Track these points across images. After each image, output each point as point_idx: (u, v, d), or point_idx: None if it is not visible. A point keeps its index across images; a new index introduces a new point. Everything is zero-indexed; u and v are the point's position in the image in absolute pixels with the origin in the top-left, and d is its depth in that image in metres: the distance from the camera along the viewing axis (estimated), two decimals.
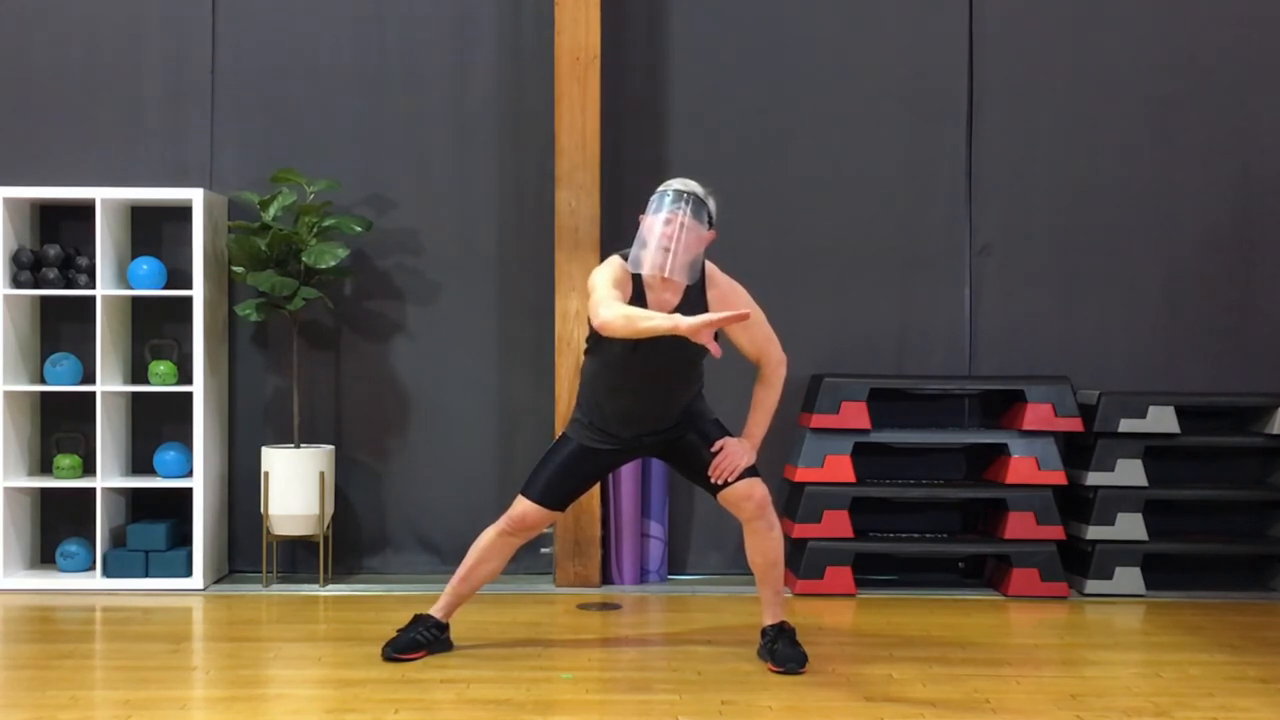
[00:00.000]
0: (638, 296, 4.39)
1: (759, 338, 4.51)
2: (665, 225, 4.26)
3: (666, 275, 4.27)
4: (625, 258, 4.40)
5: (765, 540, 4.51)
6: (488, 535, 4.67)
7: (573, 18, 5.82)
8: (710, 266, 4.49)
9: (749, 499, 4.47)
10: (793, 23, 6.17)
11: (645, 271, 4.29)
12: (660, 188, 4.41)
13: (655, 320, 4.04)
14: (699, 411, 4.58)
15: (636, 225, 4.41)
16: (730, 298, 4.47)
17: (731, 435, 4.55)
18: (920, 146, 6.19)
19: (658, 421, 4.51)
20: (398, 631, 4.66)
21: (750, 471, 4.48)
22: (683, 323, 3.96)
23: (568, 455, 4.57)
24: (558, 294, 5.85)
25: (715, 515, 5.86)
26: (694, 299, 4.41)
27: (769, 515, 4.50)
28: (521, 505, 4.58)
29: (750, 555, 4.57)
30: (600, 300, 4.22)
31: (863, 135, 6.18)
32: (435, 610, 4.70)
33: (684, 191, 4.33)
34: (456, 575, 4.71)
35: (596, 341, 4.43)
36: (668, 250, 4.24)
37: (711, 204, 4.40)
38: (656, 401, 4.48)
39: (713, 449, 4.48)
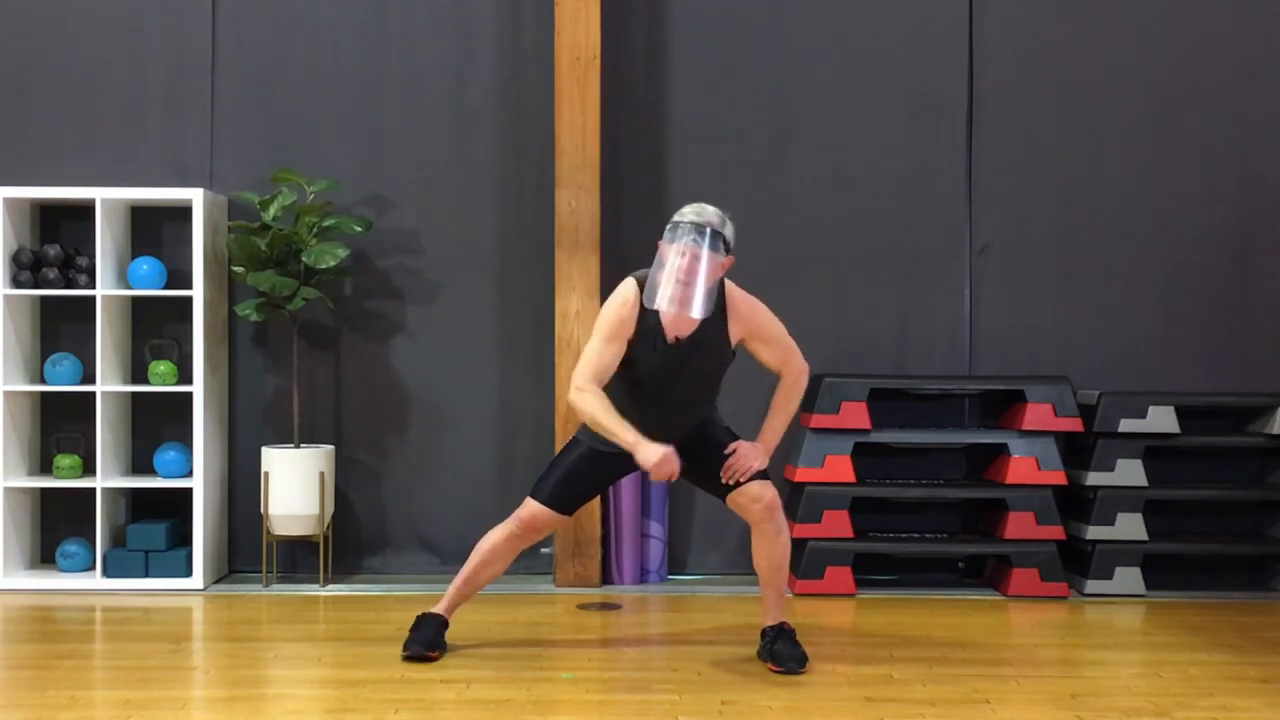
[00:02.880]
0: (653, 325, 4.37)
1: (780, 351, 4.53)
2: (680, 258, 4.24)
3: (687, 314, 4.25)
4: (640, 281, 4.38)
5: (773, 544, 4.51)
6: (495, 539, 4.63)
7: (573, 18, 5.82)
8: (730, 287, 4.46)
9: (758, 501, 4.46)
10: (793, 23, 6.17)
11: (661, 308, 4.26)
12: (676, 215, 4.35)
13: (619, 435, 4.25)
14: (710, 418, 4.58)
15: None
16: (751, 320, 4.47)
17: (743, 440, 4.55)
18: (920, 146, 6.19)
19: (675, 431, 4.49)
20: (413, 632, 4.62)
21: (761, 474, 4.48)
22: (642, 456, 4.21)
23: (577, 458, 4.56)
24: (558, 294, 5.85)
25: (715, 515, 5.86)
26: (714, 324, 4.39)
27: (778, 518, 4.49)
28: (531, 508, 4.56)
29: (756, 558, 4.57)
30: (582, 374, 4.31)
31: (863, 135, 6.18)
32: (441, 610, 4.69)
33: (700, 224, 4.28)
34: (461, 577, 4.69)
35: (625, 362, 4.40)
36: (685, 284, 4.21)
37: (729, 230, 4.35)
38: (678, 415, 4.49)
39: (726, 450, 4.48)
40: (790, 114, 6.18)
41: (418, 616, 4.69)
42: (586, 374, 4.33)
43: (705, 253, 4.24)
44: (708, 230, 4.28)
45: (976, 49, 6.19)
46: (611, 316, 4.37)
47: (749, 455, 4.45)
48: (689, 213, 4.34)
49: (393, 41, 6.13)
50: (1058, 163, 6.19)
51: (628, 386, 4.44)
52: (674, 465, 4.27)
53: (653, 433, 4.43)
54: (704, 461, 4.51)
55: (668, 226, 4.35)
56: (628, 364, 4.38)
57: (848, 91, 6.18)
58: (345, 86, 6.13)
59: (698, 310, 4.25)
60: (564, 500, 4.56)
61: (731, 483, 4.45)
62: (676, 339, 4.37)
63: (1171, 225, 6.19)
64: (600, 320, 4.41)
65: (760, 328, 4.48)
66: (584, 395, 4.31)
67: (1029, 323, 6.18)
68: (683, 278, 4.22)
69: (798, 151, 6.18)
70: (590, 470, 4.55)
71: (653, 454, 4.24)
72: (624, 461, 4.53)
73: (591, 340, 4.40)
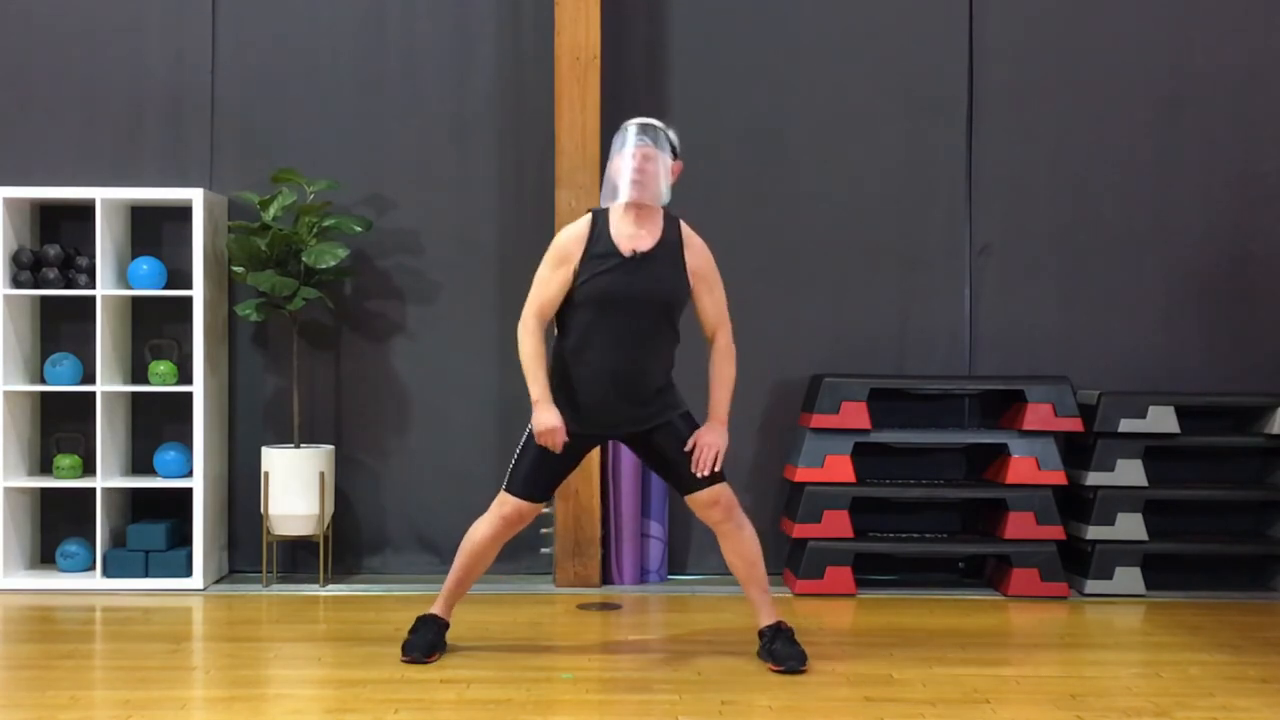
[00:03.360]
0: (607, 244, 4.42)
1: (719, 307, 4.57)
2: (632, 159, 4.40)
3: (638, 200, 4.39)
4: (596, 214, 4.52)
5: (738, 541, 4.55)
6: (480, 537, 4.62)
7: (573, 18, 5.82)
8: (685, 225, 4.55)
9: (715, 505, 4.51)
10: (793, 23, 6.18)
11: (620, 200, 4.41)
12: (620, 128, 4.51)
13: (530, 385, 4.43)
14: (670, 401, 4.55)
15: None
16: (704, 259, 4.53)
17: (699, 426, 4.56)
18: (920, 146, 6.19)
19: (632, 390, 4.46)
20: (412, 634, 4.61)
21: (715, 477, 4.50)
22: (536, 415, 4.40)
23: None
24: None
25: None
26: (671, 249, 4.46)
27: (737, 516, 4.54)
28: (510, 504, 4.56)
29: (728, 558, 4.60)
30: (528, 307, 4.50)
31: (863, 135, 6.18)
32: (438, 610, 4.69)
33: (644, 124, 4.46)
34: (453, 578, 4.69)
35: (569, 309, 4.47)
36: (636, 182, 4.38)
37: (673, 134, 4.52)
38: (635, 353, 4.44)
39: (686, 448, 4.48)
40: (790, 114, 6.18)
41: (417, 618, 4.68)
42: (531, 308, 4.50)
43: (653, 151, 4.41)
44: (653, 129, 4.45)
45: (976, 49, 6.19)
46: (558, 242, 4.52)
47: (712, 442, 4.47)
48: (632, 120, 4.51)
49: (393, 41, 6.14)
50: (1058, 163, 6.19)
51: (585, 336, 4.44)
52: (558, 439, 4.41)
53: (609, 391, 4.44)
54: (665, 455, 4.53)
55: (614, 139, 4.49)
56: (584, 286, 4.41)
57: (848, 92, 6.19)
58: (345, 87, 6.14)
59: (653, 199, 4.40)
60: (538, 488, 4.55)
61: (705, 474, 4.46)
62: (634, 252, 4.42)
63: (1171, 225, 6.19)
64: (549, 250, 4.53)
65: (710, 273, 4.55)
66: (523, 334, 4.49)
67: (1029, 323, 6.18)
68: (637, 177, 4.38)
69: (797, 151, 6.19)
70: (555, 453, 4.51)
71: (544, 419, 4.41)
72: (586, 438, 4.56)
73: (539, 270, 4.52)
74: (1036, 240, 6.19)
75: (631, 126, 4.46)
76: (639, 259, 4.41)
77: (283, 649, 4.76)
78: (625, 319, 4.42)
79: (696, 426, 4.55)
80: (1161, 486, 5.83)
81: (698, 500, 4.52)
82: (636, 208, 4.44)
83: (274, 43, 6.13)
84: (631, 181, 4.39)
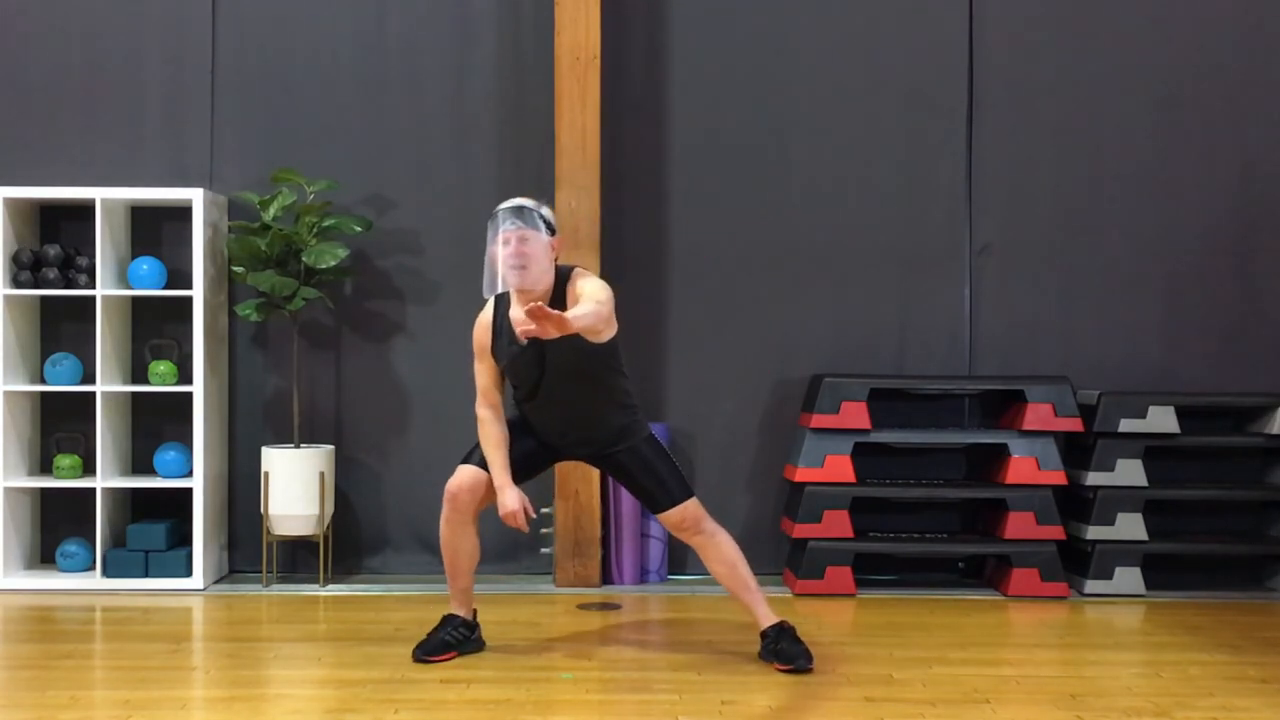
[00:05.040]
0: (507, 331, 4.46)
1: (584, 296, 4.33)
2: (505, 246, 4.35)
3: (520, 287, 4.35)
4: (499, 302, 4.54)
5: (714, 548, 4.59)
6: (441, 528, 4.63)
7: (573, 18, 5.82)
8: (577, 272, 4.47)
9: (679, 526, 4.56)
10: (793, 23, 6.18)
11: (500, 291, 4.39)
12: (491, 214, 4.43)
13: (493, 473, 4.48)
14: (632, 428, 4.58)
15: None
16: (574, 291, 4.39)
17: (666, 451, 4.60)
18: (920, 146, 6.19)
19: (587, 433, 4.55)
20: (428, 633, 4.66)
21: (681, 495, 4.53)
22: (500, 499, 4.45)
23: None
24: None
25: (714, 516, 5.84)
26: (559, 308, 4.40)
27: (705, 527, 4.57)
28: (455, 475, 4.56)
29: (710, 568, 4.63)
30: (477, 400, 4.53)
31: (863, 136, 6.18)
32: (456, 610, 4.70)
33: (512, 208, 4.38)
34: (446, 574, 4.71)
35: (504, 373, 4.55)
36: (516, 268, 4.33)
37: (545, 211, 4.44)
38: (571, 412, 4.52)
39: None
40: (790, 114, 6.18)
41: (443, 617, 4.71)
42: (478, 398, 4.57)
43: (528, 232, 4.34)
44: (524, 211, 4.38)
45: (976, 49, 6.19)
46: (474, 336, 4.58)
47: (538, 312, 3.96)
48: (503, 204, 4.44)
49: (393, 41, 6.14)
50: (1058, 163, 6.19)
51: (519, 396, 4.56)
52: (520, 521, 4.47)
53: (561, 438, 4.57)
54: (632, 477, 4.57)
55: (488, 225, 4.42)
56: (505, 374, 4.52)
57: (848, 91, 6.19)
58: (345, 86, 6.14)
59: (536, 280, 4.35)
60: (484, 462, 4.56)
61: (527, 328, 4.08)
62: (527, 337, 4.39)
63: (1171, 225, 6.19)
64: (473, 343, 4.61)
65: (576, 294, 4.39)
66: (478, 425, 4.54)
67: (1029, 323, 6.18)
68: (514, 262, 4.33)
69: (797, 151, 6.18)
70: (516, 441, 4.57)
71: (506, 503, 4.46)
72: (545, 447, 4.63)
73: (474, 362, 4.60)
74: (1036, 240, 6.19)
75: (501, 212, 4.38)
76: (535, 342, 4.41)
77: (283, 649, 4.76)
78: (550, 392, 4.47)
79: (662, 448, 4.60)
80: (1161, 486, 5.83)
81: (667, 520, 4.57)
82: (523, 291, 4.40)
83: (274, 43, 6.13)
84: (510, 268, 4.33)
